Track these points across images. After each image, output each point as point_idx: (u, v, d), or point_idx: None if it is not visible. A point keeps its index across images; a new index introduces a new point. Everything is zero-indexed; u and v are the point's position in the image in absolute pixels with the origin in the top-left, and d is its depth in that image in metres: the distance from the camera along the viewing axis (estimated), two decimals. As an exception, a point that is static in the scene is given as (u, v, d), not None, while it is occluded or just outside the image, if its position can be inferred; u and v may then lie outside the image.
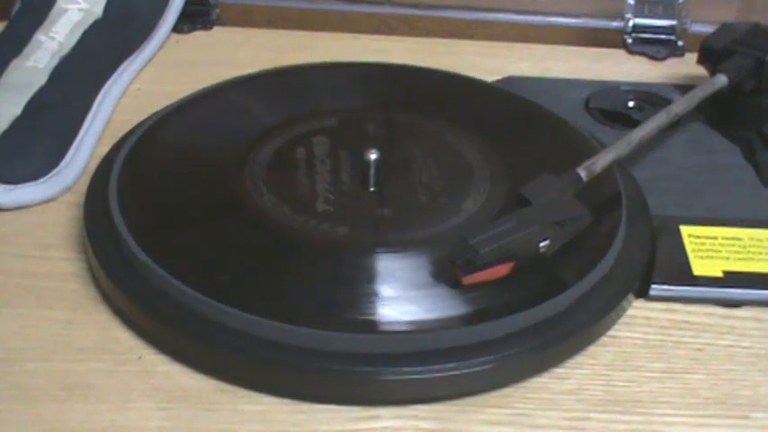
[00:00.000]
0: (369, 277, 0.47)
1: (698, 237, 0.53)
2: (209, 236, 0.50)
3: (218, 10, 0.74)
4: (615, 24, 0.75)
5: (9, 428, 0.43)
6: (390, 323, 0.45)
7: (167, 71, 0.68)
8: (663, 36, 0.73)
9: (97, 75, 0.63)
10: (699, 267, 0.51)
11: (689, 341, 0.49)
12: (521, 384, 0.46)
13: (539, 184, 0.49)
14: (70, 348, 0.46)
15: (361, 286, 0.47)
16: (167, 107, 0.59)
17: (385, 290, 0.46)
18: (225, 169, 0.53)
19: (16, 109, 0.58)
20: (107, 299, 0.49)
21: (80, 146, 0.58)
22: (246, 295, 0.46)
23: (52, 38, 0.63)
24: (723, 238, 0.53)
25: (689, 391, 0.46)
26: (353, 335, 0.44)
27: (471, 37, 0.76)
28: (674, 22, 0.74)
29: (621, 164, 0.55)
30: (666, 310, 0.50)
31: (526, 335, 0.45)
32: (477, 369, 0.44)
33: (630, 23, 0.74)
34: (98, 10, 0.66)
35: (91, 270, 0.50)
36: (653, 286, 0.50)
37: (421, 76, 0.64)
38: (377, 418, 0.44)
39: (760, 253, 0.52)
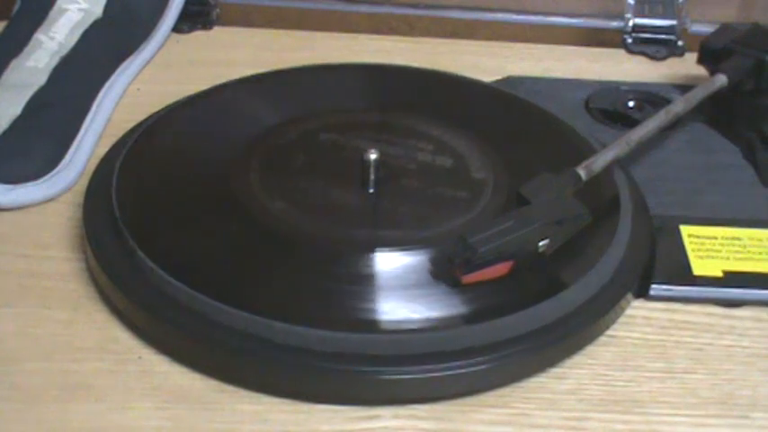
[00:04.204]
0: (368, 277, 0.47)
1: (698, 237, 0.53)
2: (208, 236, 0.50)
3: (218, 10, 0.74)
4: (615, 24, 0.75)
5: (9, 428, 0.43)
6: (390, 323, 0.45)
7: (167, 71, 0.68)
8: (663, 36, 0.73)
9: (97, 75, 0.63)
10: (699, 267, 0.51)
11: (689, 341, 0.49)
12: (520, 384, 0.46)
13: (538, 184, 0.49)
14: (70, 348, 0.46)
15: (360, 286, 0.47)
16: (167, 107, 0.59)
17: (384, 290, 0.46)
18: (224, 169, 0.53)
19: (16, 109, 0.58)
20: (107, 299, 0.49)
21: (80, 146, 0.58)
22: (246, 295, 0.46)
23: (52, 38, 0.63)
24: (723, 238, 0.53)
25: (689, 391, 0.46)
26: (353, 335, 0.44)
27: (471, 37, 0.76)
28: (674, 22, 0.74)
29: (621, 164, 0.55)
30: (666, 310, 0.50)
31: (525, 334, 0.45)
32: (477, 369, 0.44)
33: (630, 23, 0.74)
34: (98, 10, 0.66)
35: (90, 270, 0.50)
36: (653, 286, 0.50)
37: (420, 77, 0.64)
38: (377, 417, 0.44)
39: (760, 253, 0.52)
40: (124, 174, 0.53)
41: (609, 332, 0.48)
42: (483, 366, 0.44)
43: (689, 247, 0.52)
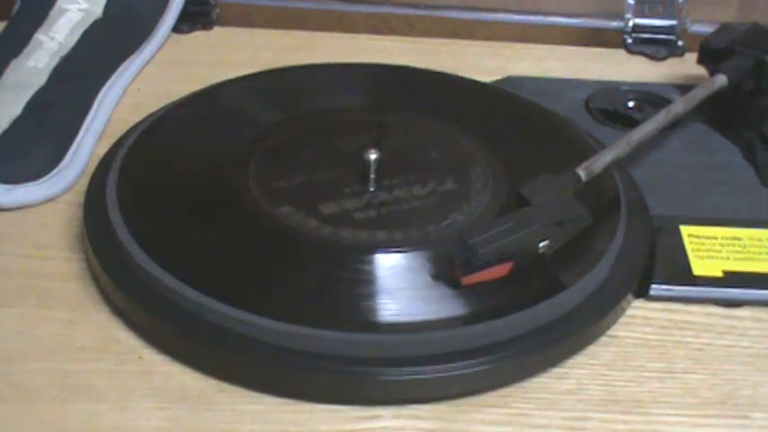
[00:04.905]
0: (369, 277, 0.47)
1: (698, 237, 0.53)
2: (208, 236, 0.50)
3: (218, 10, 0.74)
4: (615, 24, 0.75)
5: (9, 428, 0.43)
6: (390, 323, 0.45)
7: (167, 71, 0.68)
8: (663, 36, 0.73)
9: (97, 75, 0.63)
10: (699, 267, 0.51)
11: (689, 341, 0.49)
12: (520, 384, 0.46)
13: (538, 184, 0.49)
14: (70, 348, 0.46)
15: (360, 286, 0.47)
16: (166, 107, 0.59)
17: (384, 290, 0.46)
18: (224, 169, 0.53)
19: (16, 109, 0.58)
20: (107, 299, 0.49)
21: (80, 146, 0.58)
22: (246, 295, 0.46)
23: (52, 38, 0.63)
24: (723, 238, 0.53)
25: (689, 391, 0.46)
26: (354, 335, 0.44)
27: (471, 37, 0.76)
28: (674, 22, 0.74)
29: (621, 164, 0.55)
30: (666, 310, 0.50)
31: (526, 335, 0.45)
32: (477, 369, 0.44)
33: (630, 23, 0.74)
34: (98, 10, 0.66)
35: (91, 270, 0.50)
36: (653, 286, 0.50)
37: (420, 77, 0.64)
38: (377, 417, 0.44)
39: (760, 253, 0.52)
40: (124, 174, 0.53)
41: (609, 332, 0.49)
42: (484, 366, 0.44)
43: (689, 247, 0.52)
